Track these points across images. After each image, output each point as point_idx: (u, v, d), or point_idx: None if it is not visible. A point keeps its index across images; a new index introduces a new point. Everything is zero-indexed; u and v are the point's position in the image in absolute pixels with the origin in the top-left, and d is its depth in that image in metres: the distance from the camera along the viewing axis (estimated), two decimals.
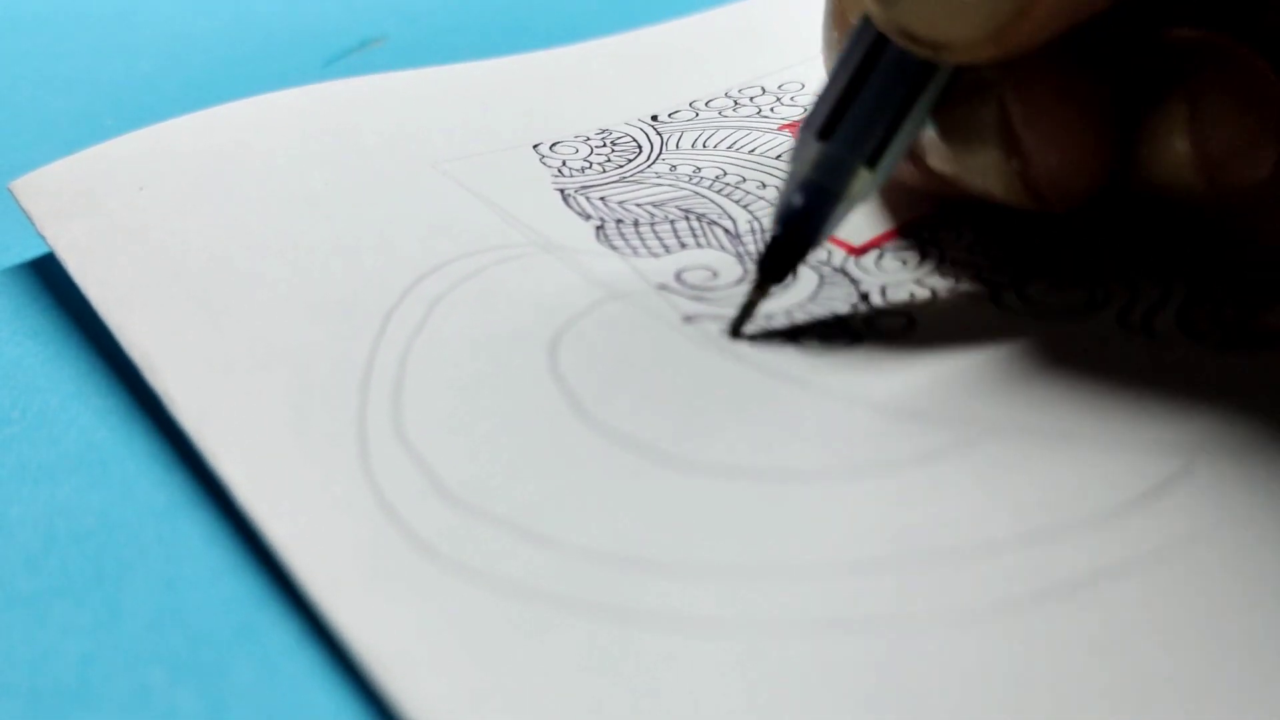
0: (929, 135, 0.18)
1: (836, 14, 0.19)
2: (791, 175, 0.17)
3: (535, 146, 0.23)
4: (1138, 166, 0.17)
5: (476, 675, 0.13)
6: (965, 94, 0.17)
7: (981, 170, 0.17)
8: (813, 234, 0.17)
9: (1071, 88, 0.17)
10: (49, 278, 0.21)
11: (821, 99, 0.17)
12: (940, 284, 0.18)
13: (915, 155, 0.18)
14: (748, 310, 0.18)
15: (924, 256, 0.19)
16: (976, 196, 0.18)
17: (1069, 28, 0.15)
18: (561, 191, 0.22)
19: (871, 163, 0.17)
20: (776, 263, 0.17)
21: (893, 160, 0.17)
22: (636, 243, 0.20)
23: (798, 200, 0.17)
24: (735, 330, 0.18)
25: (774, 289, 0.18)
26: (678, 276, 0.19)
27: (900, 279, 0.19)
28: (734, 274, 0.19)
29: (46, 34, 0.34)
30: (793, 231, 0.17)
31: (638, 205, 0.21)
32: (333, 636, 0.13)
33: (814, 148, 0.17)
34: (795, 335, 0.18)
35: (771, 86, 0.26)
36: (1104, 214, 0.19)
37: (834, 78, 0.17)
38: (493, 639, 0.13)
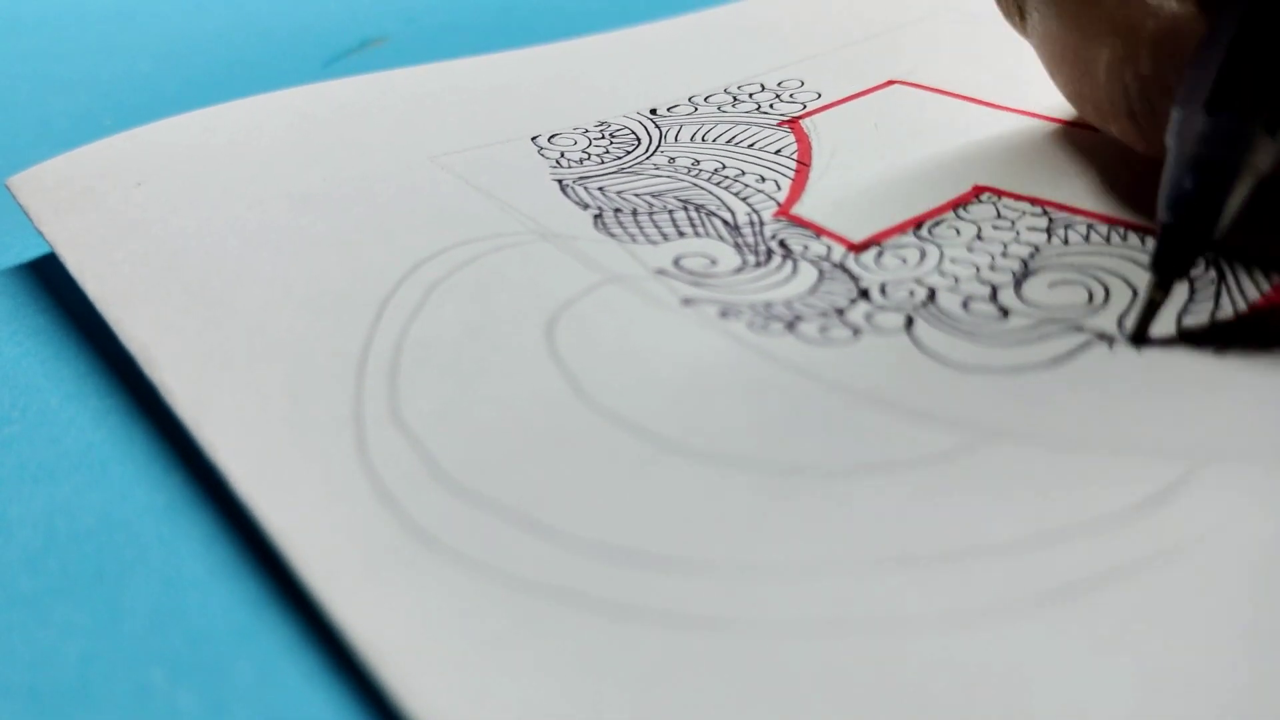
0: None
1: None
2: (1176, 156, 0.16)
3: (534, 139, 0.23)
4: None
5: (474, 667, 0.12)
6: None
7: None
8: (1212, 216, 0.15)
9: None
10: (49, 278, 0.21)
11: (1200, 68, 0.16)
12: (939, 282, 0.18)
13: None
14: (1150, 312, 0.16)
15: (923, 254, 0.19)
16: None
17: None
18: (559, 182, 0.21)
19: (1272, 128, 0.15)
20: (1175, 255, 0.16)
21: None
22: (634, 230, 0.20)
23: (1189, 182, 0.15)
24: (1139, 336, 0.16)
25: (1175, 286, 0.16)
26: (676, 262, 0.19)
27: (900, 276, 0.18)
28: (732, 263, 0.19)
29: (46, 34, 0.34)
30: (1188, 217, 0.15)
31: (636, 195, 0.21)
32: (330, 627, 0.13)
33: (1201, 120, 0.15)
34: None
35: (771, 84, 0.25)
36: None
37: (1209, 45, 0.16)
38: (491, 631, 0.13)
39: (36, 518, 0.16)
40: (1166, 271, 0.16)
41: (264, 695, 0.13)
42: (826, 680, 0.12)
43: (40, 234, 0.20)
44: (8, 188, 0.22)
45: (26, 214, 0.21)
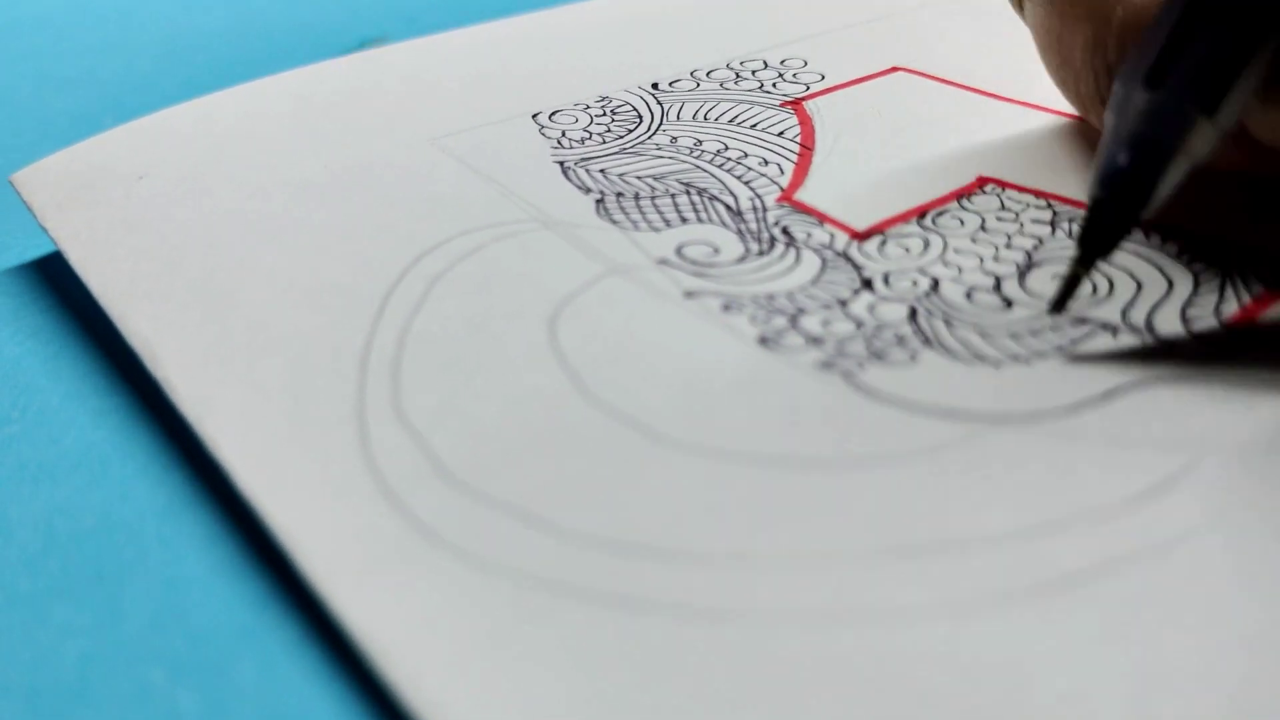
0: (1255, 104, 0.16)
1: None
2: (1113, 130, 0.15)
3: (535, 116, 0.23)
4: None
5: (477, 662, 0.12)
6: None
7: None
8: (1143, 196, 0.15)
9: None
10: (50, 277, 0.21)
11: (1147, 42, 0.15)
12: (943, 272, 0.18)
13: (1236, 127, 0.16)
14: (1071, 286, 0.16)
15: (927, 244, 0.19)
16: None
17: None
18: (561, 164, 0.21)
19: (1211, 110, 0.15)
20: (1102, 231, 0.15)
21: (1233, 111, 0.15)
22: (637, 216, 0.20)
23: (1123, 158, 0.15)
24: (1058, 308, 0.16)
25: (1099, 262, 0.15)
26: (678, 251, 0.19)
27: (903, 266, 0.18)
28: (735, 251, 0.19)
29: (46, 33, 0.34)
30: (1120, 194, 0.15)
31: (638, 178, 0.21)
32: (333, 623, 0.13)
33: (1141, 97, 0.15)
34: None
35: (774, 61, 0.25)
36: None
37: (1161, 17, 0.15)
38: (493, 625, 0.13)
39: (36, 518, 0.16)
40: (1092, 247, 0.16)
41: (265, 695, 0.13)
42: (827, 671, 0.12)
43: (44, 230, 0.20)
44: (11, 184, 0.22)
45: (30, 210, 0.21)
